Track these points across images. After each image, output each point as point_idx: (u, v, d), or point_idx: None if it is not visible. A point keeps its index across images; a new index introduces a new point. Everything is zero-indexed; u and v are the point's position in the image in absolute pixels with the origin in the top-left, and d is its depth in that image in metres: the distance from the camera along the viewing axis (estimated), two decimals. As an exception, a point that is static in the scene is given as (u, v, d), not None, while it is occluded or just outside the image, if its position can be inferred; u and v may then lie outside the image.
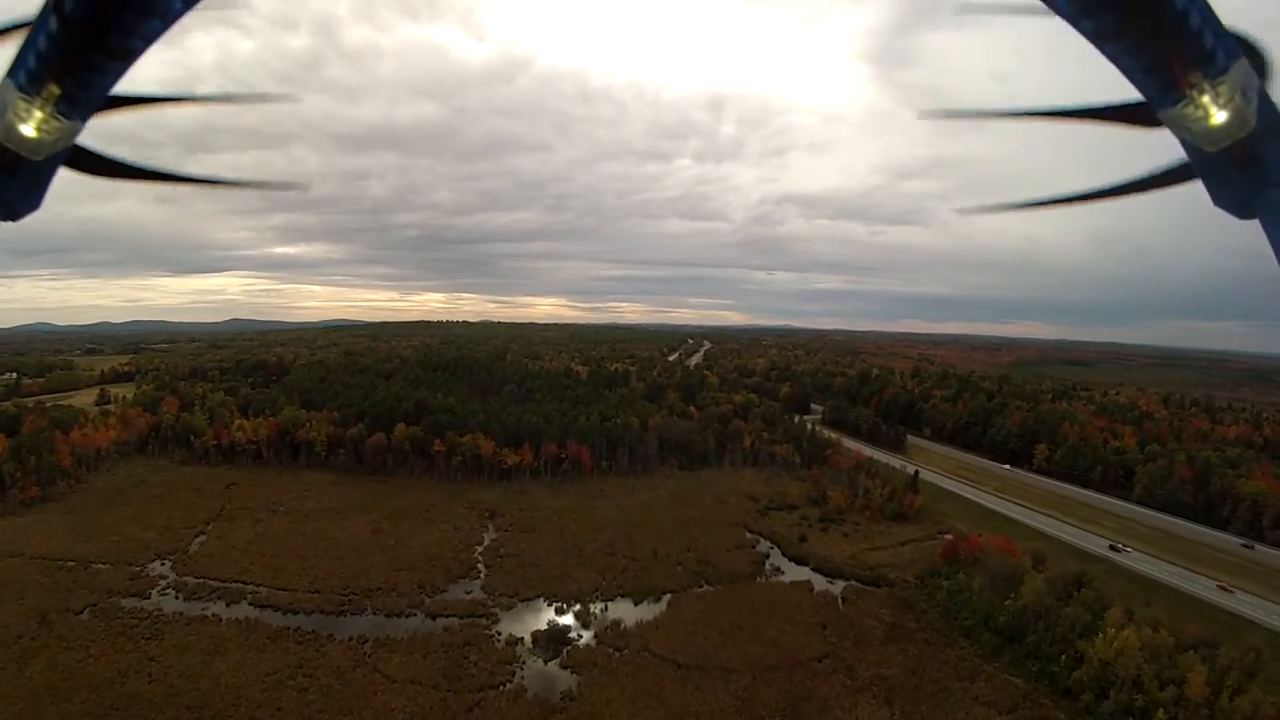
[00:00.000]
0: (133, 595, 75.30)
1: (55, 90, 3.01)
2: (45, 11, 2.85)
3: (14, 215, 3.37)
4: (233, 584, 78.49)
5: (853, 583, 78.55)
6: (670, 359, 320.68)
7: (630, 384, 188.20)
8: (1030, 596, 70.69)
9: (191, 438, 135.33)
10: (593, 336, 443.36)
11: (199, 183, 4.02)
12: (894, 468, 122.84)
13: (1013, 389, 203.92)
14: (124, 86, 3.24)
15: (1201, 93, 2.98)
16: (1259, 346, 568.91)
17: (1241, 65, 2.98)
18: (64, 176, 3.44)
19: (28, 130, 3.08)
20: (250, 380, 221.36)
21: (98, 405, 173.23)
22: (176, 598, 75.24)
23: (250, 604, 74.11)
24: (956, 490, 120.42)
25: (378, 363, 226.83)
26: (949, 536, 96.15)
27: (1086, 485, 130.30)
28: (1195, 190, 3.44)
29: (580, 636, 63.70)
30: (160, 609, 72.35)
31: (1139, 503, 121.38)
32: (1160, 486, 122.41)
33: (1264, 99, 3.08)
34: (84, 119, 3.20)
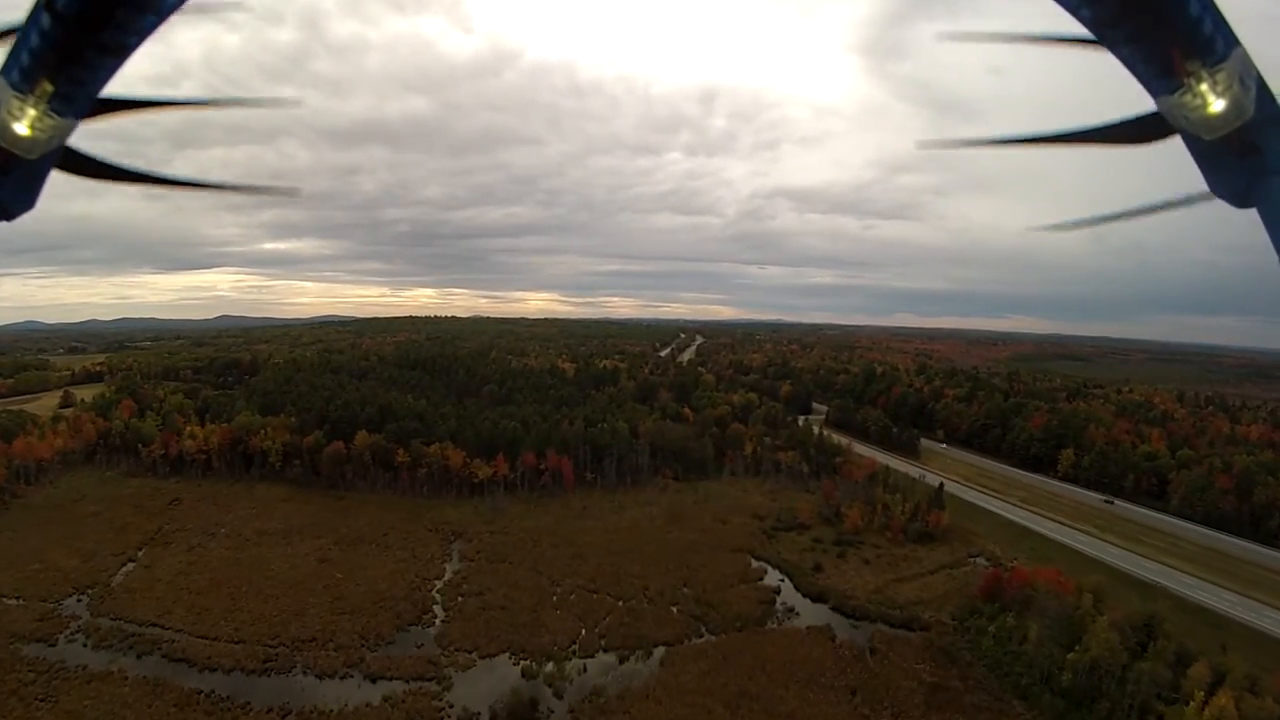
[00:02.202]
0: (39, 640, 63.85)
1: (49, 88, 2.99)
2: (38, 8, 2.79)
3: (8, 215, 3.31)
4: (150, 628, 66.22)
5: (880, 625, 66.09)
6: (662, 354, 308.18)
7: (620, 383, 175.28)
8: (1099, 648, 58.60)
9: (140, 446, 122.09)
10: (583, 332, 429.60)
11: (191, 186, 3.89)
12: (912, 478, 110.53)
13: (1026, 388, 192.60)
14: (113, 84, 3.24)
15: (1200, 81, 2.95)
16: (1254, 342, 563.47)
17: (1240, 53, 2.93)
18: (53, 174, 3.42)
19: (21, 129, 3.03)
20: (221, 380, 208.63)
21: (61, 409, 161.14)
22: (85, 645, 63.39)
23: (164, 656, 61.81)
24: (981, 503, 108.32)
25: (353, 361, 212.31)
26: (983, 562, 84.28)
27: (1118, 495, 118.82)
28: (1190, 184, 3.38)
29: (551, 711, 50.81)
30: (63, 661, 60.46)
31: (1178, 515, 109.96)
32: (1200, 497, 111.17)
33: (1262, 87, 3.02)
34: (78, 116, 3.15)
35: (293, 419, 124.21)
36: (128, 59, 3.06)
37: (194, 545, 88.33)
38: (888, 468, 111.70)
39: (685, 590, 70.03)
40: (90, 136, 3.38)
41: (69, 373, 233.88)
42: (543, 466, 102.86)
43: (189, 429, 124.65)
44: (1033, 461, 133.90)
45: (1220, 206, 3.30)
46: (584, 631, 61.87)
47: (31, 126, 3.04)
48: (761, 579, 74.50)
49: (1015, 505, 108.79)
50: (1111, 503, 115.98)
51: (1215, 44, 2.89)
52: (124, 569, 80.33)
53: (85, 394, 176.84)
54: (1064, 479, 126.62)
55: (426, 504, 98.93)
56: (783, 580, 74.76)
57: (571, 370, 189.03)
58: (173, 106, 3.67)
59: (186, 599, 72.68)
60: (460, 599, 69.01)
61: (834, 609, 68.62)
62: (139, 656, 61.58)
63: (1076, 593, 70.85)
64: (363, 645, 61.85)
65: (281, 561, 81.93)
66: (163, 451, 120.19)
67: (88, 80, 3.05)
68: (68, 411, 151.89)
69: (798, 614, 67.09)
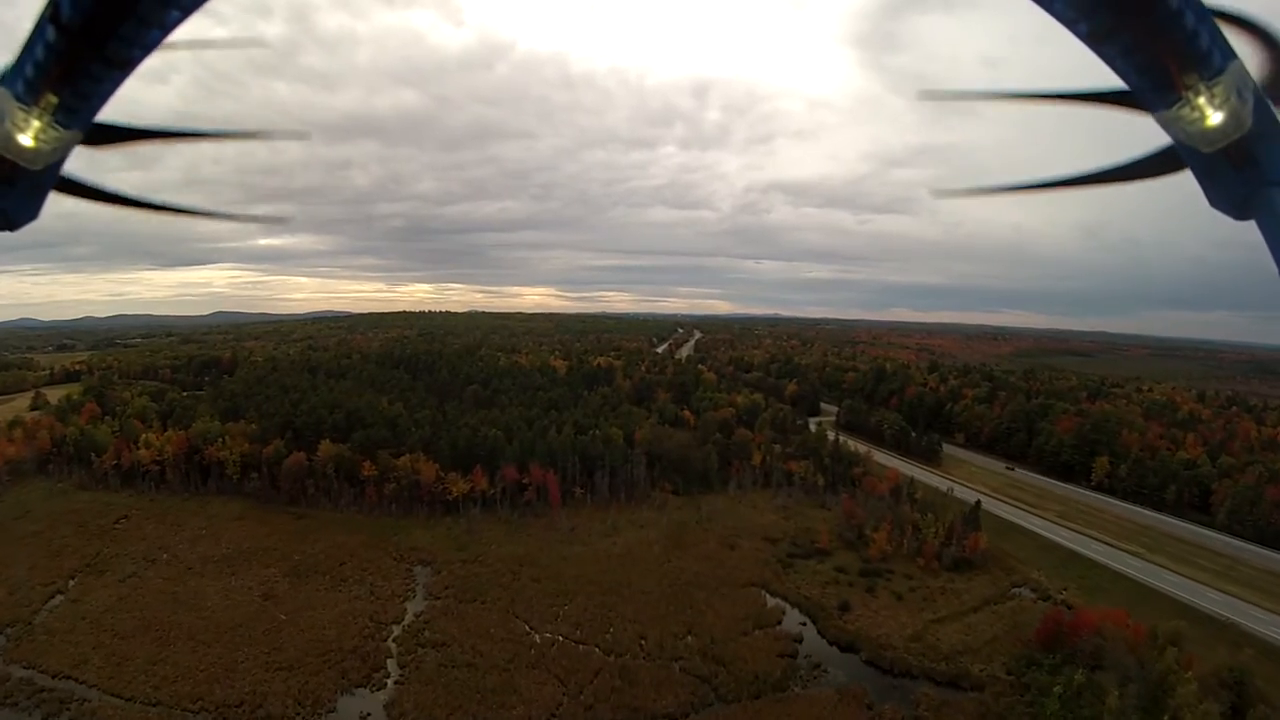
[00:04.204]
0: (-59, 695, 52.98)
1: (53, 100, 3.00)
2: (43, 21, 2.82)
3: (12, 225, 3.31)
4: (63, 681, 56.39)
5: (923, 683, 55.09)
6: (659, 350, 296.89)
7: (615, 382, 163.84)
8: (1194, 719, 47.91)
9: (93, 456, 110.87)
10: (578, 327, 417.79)
11: (185, 213, 4.03)
12: (939, 490, 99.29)
13: (1044, 387, 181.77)
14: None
15: (1197, 94, 2.95)
16: (1249, 337, 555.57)
17: (1237, 65, 2.90)
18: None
19: (26, 140, 3.03)
20: (197, 380, 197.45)
21: (32, 410, 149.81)
22: (-11, 701, 53.23)
23: (71, 719, 51.74)
24: (1015, 519, 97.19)
25: (333, 360, 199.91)
26: (1028, 594, 73.50)
27: (1158, 508, 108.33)
28: (1184, 180, 3.39)
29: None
30: (-36, 722, 50.86)
31: (1226, 531, 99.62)
32: (1249, 511, 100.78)
33: (1259, 99, 3.01)
34: (82, 128, 3.15)
35: (253, 426, 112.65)
36: (131, 72, 2.94)
37: (130, 574, 77.93)
38: (913, 480, 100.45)
39: (689, 638, 58.62)
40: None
41: (47, 372, 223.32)
42: (526, 481, 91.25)
43: (144, 437, 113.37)
44: (1063, 469, 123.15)
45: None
46: (565, 699, 50.30)
47: (36, 138, 2.98)
48: (779, 623, 62.97)
49: (1053, 522, 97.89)
50: (1013, 469, 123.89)
51: (1212, 58, 2.80)
52: (50, 603, 70.14)
53: (57, 395, 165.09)
54: (1097, 489, 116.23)
55: (394, 525, 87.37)
56: (804, 624, 63.43)
57: (564, 368, 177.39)
58: (182, 138, 3.58)
59: (109, 645, 62.22)
60: (420, 651, 57.58)
61: (867, 662, 57.47)
62: (45, 718, 51.97)
63: (1151, 640, 60.30)
64: (298, 713, 50.75)
65: (220, 598, 70.90)
66: (115, 461, 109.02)
67: (92, 93, 2.96)
68: (30, 415, 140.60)
69: (825, 670, 55.73)
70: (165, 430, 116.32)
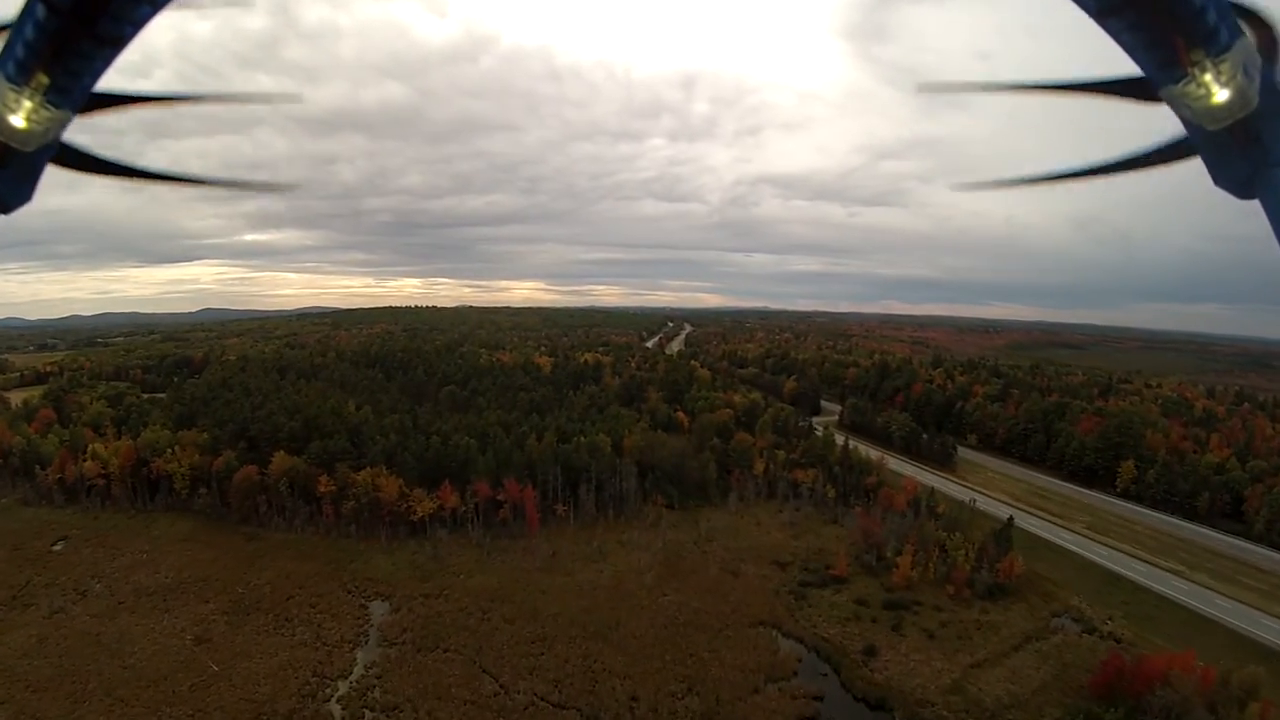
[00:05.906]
0: None
1: (44, 80, 2.96)
2: (32, 0, 2.93)
3: (4, 208, 3.28)
4: None
5: (970, 751, 46.08)
6: (649, 345, 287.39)
7: (603, 380, 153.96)
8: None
9: (37, 468, 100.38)
10: (567, 321, 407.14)
11: (192, 182, 3.86)
12: (962, 502, 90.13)
13: (1052, 382, 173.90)
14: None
15: (1203, 70, 2.89)
16: (1239, 330, 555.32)
17: (1244, 43, 2.85)
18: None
19: (17, 121, 3.01)
20: (167, 381, 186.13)
21: None
22: None
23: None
24: (1044, 533, 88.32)
25: (307, 358, 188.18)
26: (1072, 626, 64.72)
27: (1189, 517, 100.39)
28: (1175, 173, 3.30)
29: None
30: None
31: (1265, 543, 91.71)
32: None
33: (1266, 77, 2.97)
34: (74, 108, 3.13)
35: (205, 435, 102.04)
36: (124, 49, 2.94)
37: (57, 609, 68.61)
38: (933, 491, 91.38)
39: (690, 697, 49.16)
40: (71, 130, 3.30)
41: (18, 374, 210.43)
42: (501, 498, 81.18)
43: (92, 447, 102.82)
44: (1084, 474, 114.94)
45: (1205, 196, 3.09)
46: (540, 789, 41.04)
47: (28, 119, 2.95)
48: (795, 673, 53.51)
49: (1084, 536, 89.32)
50: (951, 448, 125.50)
51: (1219, 34, 2.76)
52: (-34, 644, 61.26)
53: (23, 399, 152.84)
54: (1123, 496, 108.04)
55: (352, 549, 77.19)
56: (825, 674, 54.12)
57: (549, 366, 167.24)
58: (173, 101, 3.52)
59: (19, 699, 52.96)
60: (366, 716, 47.89)
61: (902, 724, 48.42)
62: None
63: (1224, 688, 51.79)
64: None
65: (149, 641, 61.15)
66: (60, 475, 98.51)
67: (83, 72, 2.95)
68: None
69: (854, 738, 46.68)
70: (120, 439, 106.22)
